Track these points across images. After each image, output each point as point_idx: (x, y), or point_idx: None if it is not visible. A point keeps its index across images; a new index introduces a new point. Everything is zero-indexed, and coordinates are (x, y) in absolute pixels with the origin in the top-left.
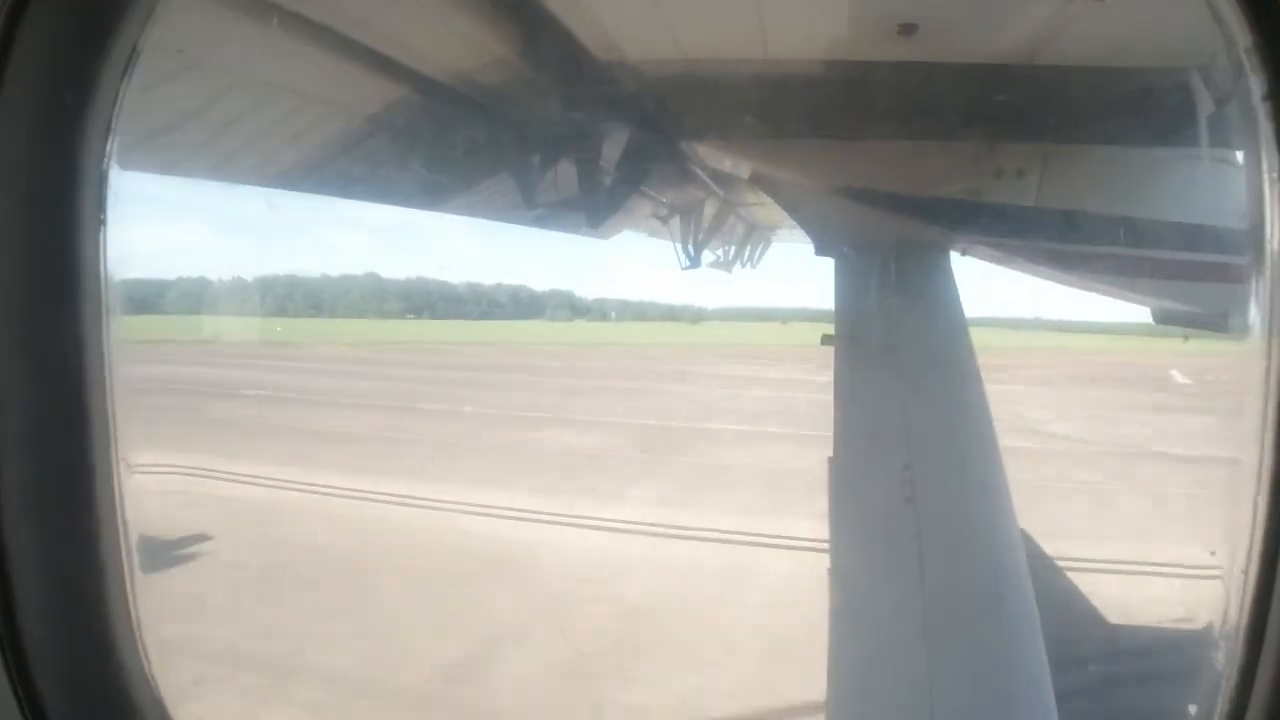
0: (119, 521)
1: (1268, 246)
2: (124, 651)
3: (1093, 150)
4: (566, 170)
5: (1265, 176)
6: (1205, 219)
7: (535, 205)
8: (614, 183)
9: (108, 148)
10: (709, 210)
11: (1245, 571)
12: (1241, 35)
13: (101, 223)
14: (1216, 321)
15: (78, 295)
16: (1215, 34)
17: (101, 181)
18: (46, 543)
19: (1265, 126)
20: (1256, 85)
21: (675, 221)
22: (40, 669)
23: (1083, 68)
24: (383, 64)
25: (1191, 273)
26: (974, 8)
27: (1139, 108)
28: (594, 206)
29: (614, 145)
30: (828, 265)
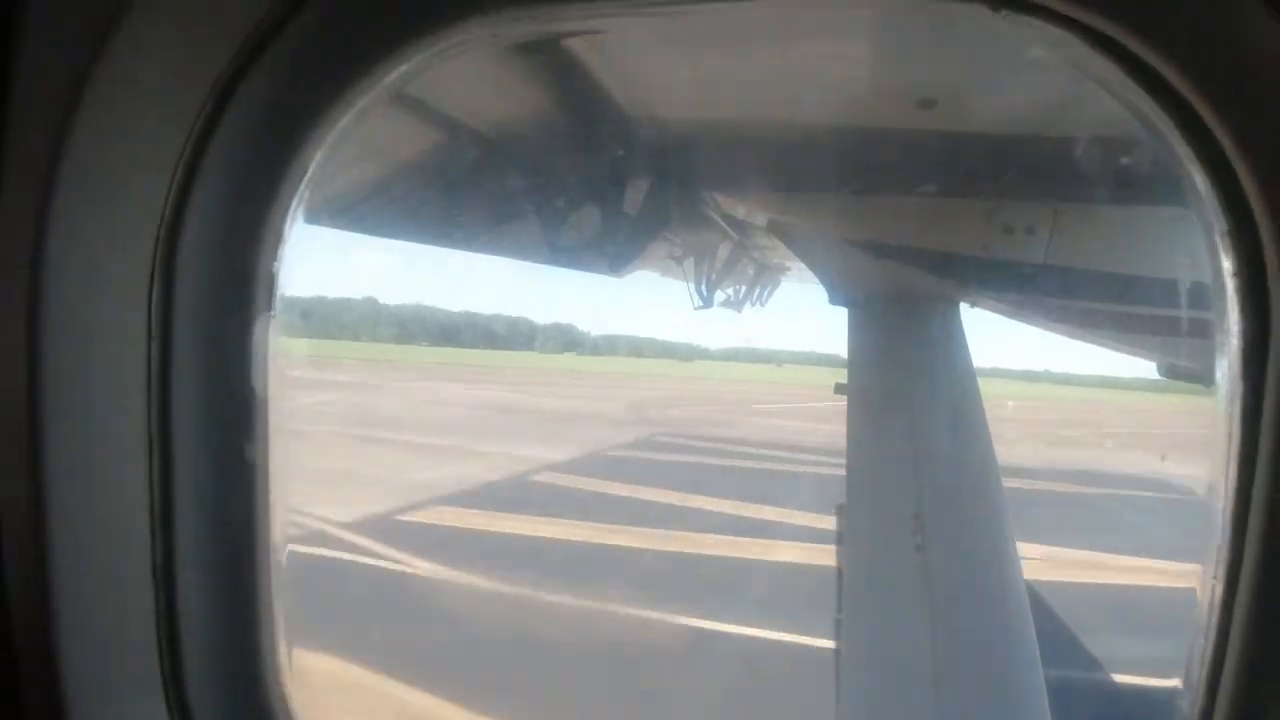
0: (273, 570)
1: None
2: (268, 679)
3: (1102, 209)
4: (591, 215)
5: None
6: (1208, 278)
7: (559, 248)
8: (637, 228)
9: (280, 251)
10: (723, 253)
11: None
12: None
13: (270, 316)
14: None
15: (248, 377)
16: None
17: (273, 281)
18: (212, 592)
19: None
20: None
21: (690, 263)
22: (193, 693)
23: (1093, 136)
24: (424, 112)
25: (1197, 329)
26: (992, 85)
27: (1148, 170)
28: (616, 250)
29: (638, 193)
30: (823, 309)
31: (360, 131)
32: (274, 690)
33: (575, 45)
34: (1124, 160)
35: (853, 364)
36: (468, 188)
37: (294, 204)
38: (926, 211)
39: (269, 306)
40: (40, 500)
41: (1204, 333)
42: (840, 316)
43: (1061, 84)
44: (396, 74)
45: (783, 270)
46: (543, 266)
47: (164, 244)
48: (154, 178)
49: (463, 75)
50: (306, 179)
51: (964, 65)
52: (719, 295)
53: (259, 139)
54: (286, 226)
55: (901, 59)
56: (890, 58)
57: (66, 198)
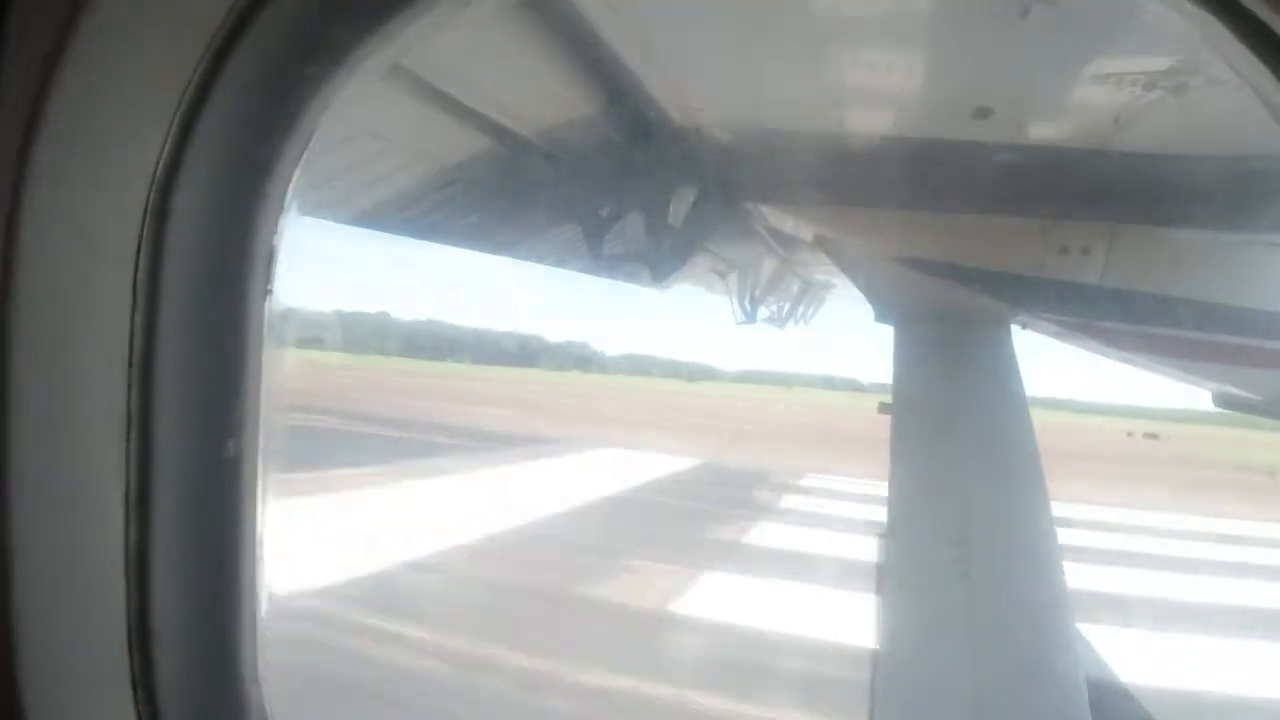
0: (256, 565)
1: None
2: (246, 683)
3: (1159, 232)
4: (635, 225)
5: None
6: (1270, 305)
7: (603, 257)
8: (680, 240)
9: (279, 224)
10: (767, 268)
11: None
12: None
13: (268, 293)
14: (1275, 408)
15: (242, 359)
16: None
17: (272, 256)
18: (188, 584)
19: None
20: None
21: (734, 277)
22: (163, 692)
23: (1156, 154)
24: (473, 117)
25: (1253, 358)
26: (1051, 95)
27: (1209, 193)
28: (658, 262)
29: (683, 203)
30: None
31: (401, 134)
32: (251, 696)
33: (623, 52)
34: (1187, 181)
35: (898, 382)
36: (511, 195)
37: (294, 175)
38: (980, 229)
39: (267, 284)
40: (6, 480)
41: (1262, 362)
42: (872, 335)
43: (1127, 97)
44: (401, 35)
45: (828, 287)
46: (583, 275)
47: (155, 208)
48: (146, 135)
49: (508, 80)
50: (307, 148)
51: (1022, 74)
52: (762, 311)
53: (256, 103)
54: (286, 198)
55: (958, 66)
56: (946, 64)
57: (50, 150)
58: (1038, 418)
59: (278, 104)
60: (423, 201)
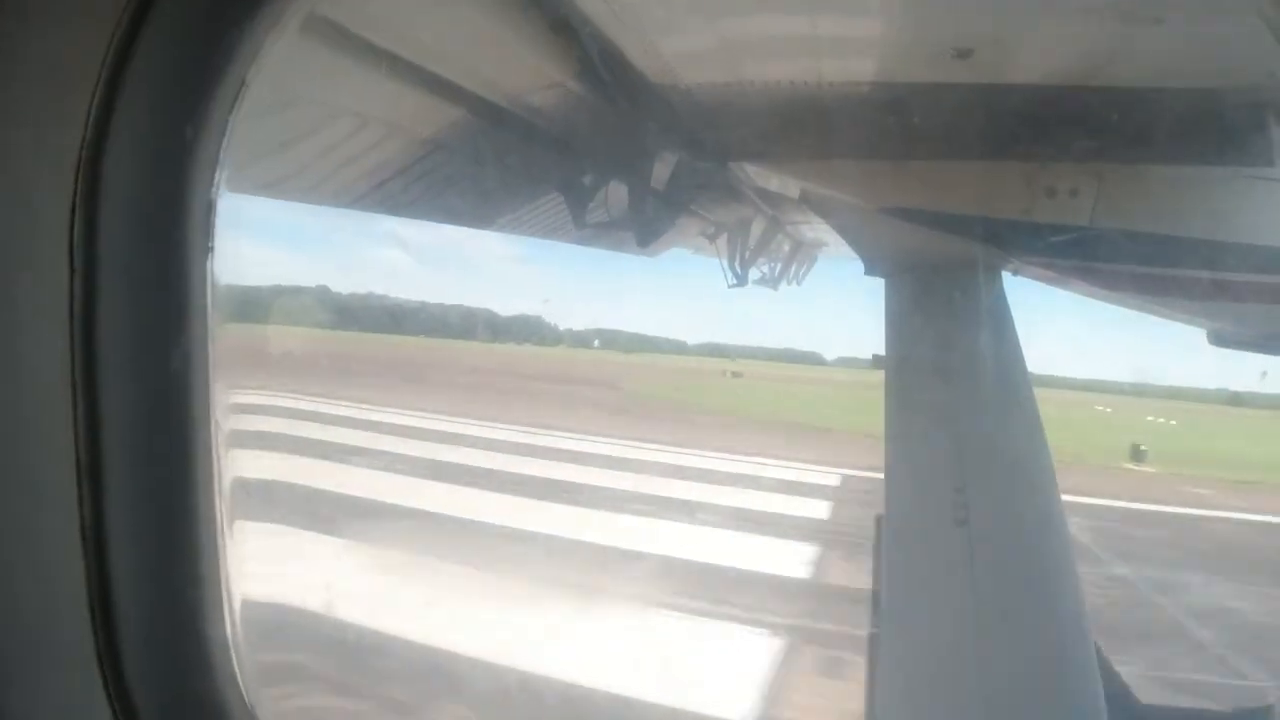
0: (219, 530)
1: None
2: (216, 653)
3: (1148, 169)
4: (618, 190)
5: None
6: (1262, 239)
7: (585, 224)
8: (664, 202)
9: (216, 178)
10: (756, 229)
11: None
12: None
13: (209, 250)
14: (1271, 344)
15: (186, 318)
16: (1274, 52)
17: (210, 210)
18: (149, 554)
19: None
20: None
21: (723, 240)
22: (133, 670)
23: (1139, 89)
24: (441, 87)
25: (1247, 294)
26: (1030, 32)
27: (1196, 127)
28: (644, 225)
29: (665, 165)
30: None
31: (374, 109)
32: (221, 665)
33: (593, 13)
34: (1173, 116)
35: (891, 334)
36: (490, 165)
37: (229, 124)
38: (966, 175)
39: (207, 240)
40: None
41: (1255, 297)
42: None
43: (1106, 31)
44: None
45: (819, 245)
46: (568, 244)
47: (86, 167)
48: (73, 93)
49: (477, 48)
50: (241, 95)
51: (1002, 11)
52: (753, 273)
53: (185, 50)
54: (221, 151)
55: (935, 5)
56: (923, 4)
57: None
58: None
59: (204, 53)
60: (398, 177)
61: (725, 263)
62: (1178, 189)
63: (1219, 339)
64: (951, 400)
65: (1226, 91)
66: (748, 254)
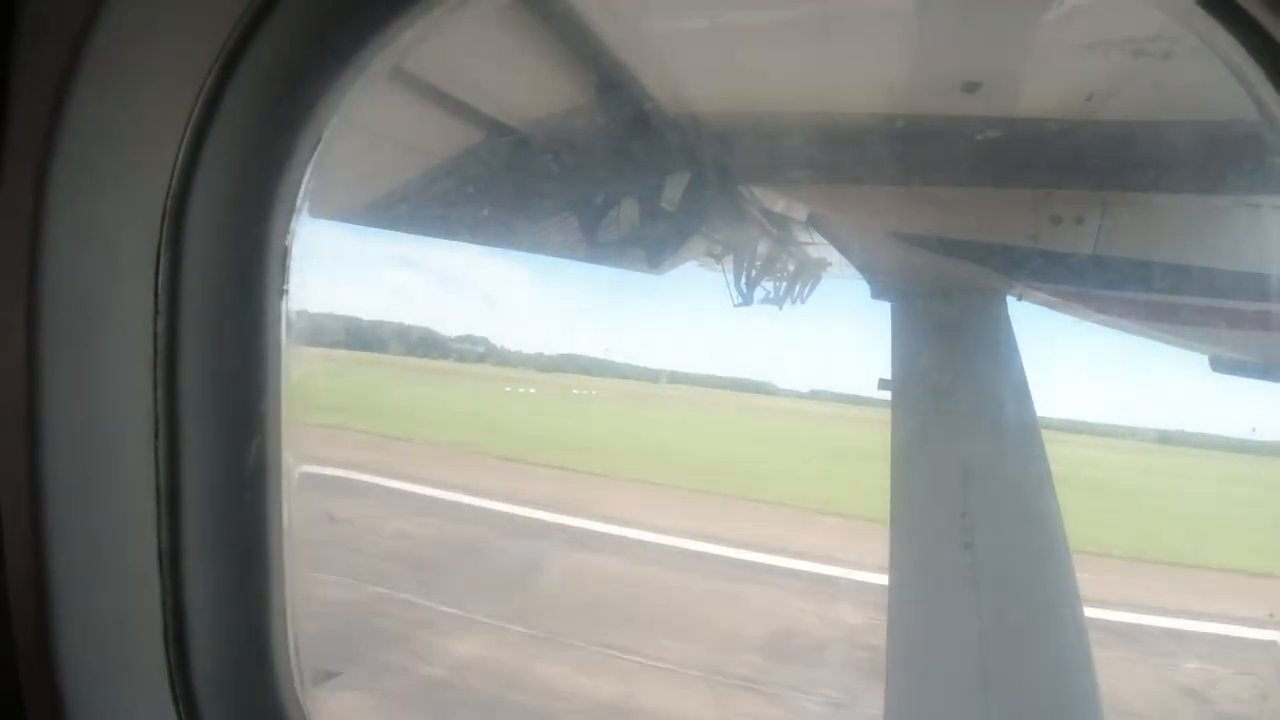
0: (285, 558)
1: None
2: (280, 675)
3: (1153, 198)
4: (629, 211)
5: None
6: (1267, 267)
7: (597, 245)
8: (675, 224)
9: (292, 224)
10: (763, 249)
11: None
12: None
13: (284, 293)
14: (1275, 371)
15: (262, 357)
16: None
17: (286, 255)
18: (220, 579)
19: None
20: None
21: (729, 260)
22: (202, 688)
23: (1145, 121)
24: (462, 110)
25: (1249, 321)
26: (1038, 66)
27: (1200, 157)
28: (654, 247)
29: (676, 188)
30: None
31: (392, 127)
32: (285, 685)
33: (610, 39)
34: (1178, 147)
35: (896, 358)
36: (504, 185)
37: (306, 175)
38: (972, 202)
39: (283, 283)
40: (40, 484)
41: (1258, 324)
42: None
43: (1113, 65)
44: (404, 36)
45: (824, 266)
46: (579, 263)
47: (171, 216)
48: (160, 147)
49: (497, 70)
50: (318, 150)
51: (1009, 46)
52: (759, 292)
53: (268, 105)
54: (299, 199)
55: (945, 40)
56: (933, 39)
57: (67, 167)
58: None
59: (288, 106)
60: (419, 197)
61: (731, 282)
62: (1182, 218)
63: (1221, 365)
64: (956, 424)
65: (1230, 123)
66: (753, 274)
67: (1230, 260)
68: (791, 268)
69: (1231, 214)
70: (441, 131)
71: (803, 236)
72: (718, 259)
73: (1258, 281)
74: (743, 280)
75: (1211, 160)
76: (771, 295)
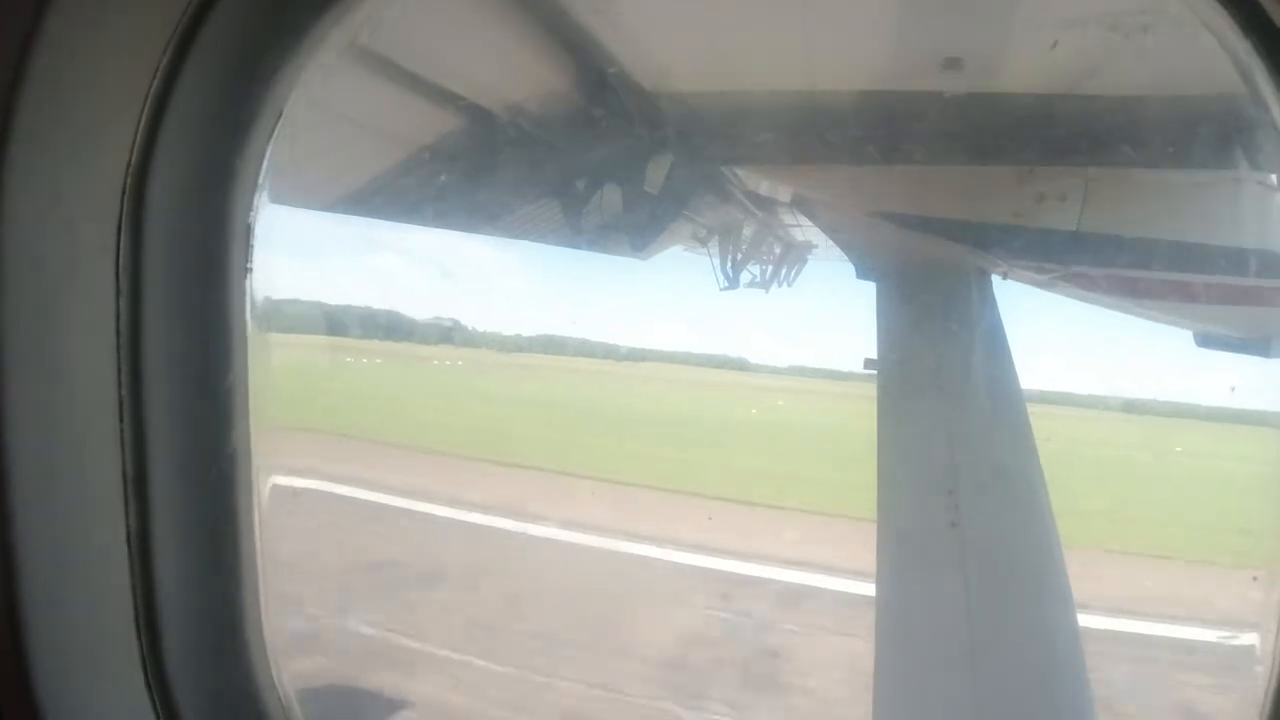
0: (256, 539)
1: None
2: (254, 656)
3: (1136, 174)
4: (612, 195)
5: None
6: (1249, 242)
7: (580, 229)
8: (659, 208)
9: (255, 200)
10: (748, 232)
11: None
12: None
13: (248, 270)
14: (1259, 345)
15: (226, 335)
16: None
17: (249, 232)
18: (190, 562)
19: None
20: None
21: (714, 243)
22: (175, 673)
23: (1126, 96)
24: (438, 95)
25: (1235, 296)
26: (1019, 43)
27: (1183, 132)
28: (638, 231)
29: (659, 171)
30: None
31: (369, 114)
32: (259, 666)
33: (587, 20)
34: (1160, 122)
35: (882, 338)
36: (484, 171)
37: (268, 150)
38: (955, 180)
39: (246, 262)
40: (3, 468)
41: (1243, 299)
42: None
43: (1093, 41)
44: (359, 12)
45: (809, 248)
46: (562, 249)
47: (131, 194)
48: (118, 124)
49: (475, 54)
50: (279, 124)
51: (990, 22)
52: (745, 276)
53: (227, 79)
54: (260, 175)
55: (924, 17)
56: (912, 16)
57: (25, 148)
58: None
59: (247, 80)
60: (393, 183)
61: (716, 266)
62: (1165, 193)
63: (1206, 341)
64: (942, 403)
65: (1213, 97)
66: (739, 257)
67: (1214, 235)
68: (777, 250)
69: (1215, 189)
70: (418, 116)
71: (788, 219)
72: (703, 243)
73: (1241, 256)
74: (729, 264)
75: (1194, 136)
76: (758, 279)
